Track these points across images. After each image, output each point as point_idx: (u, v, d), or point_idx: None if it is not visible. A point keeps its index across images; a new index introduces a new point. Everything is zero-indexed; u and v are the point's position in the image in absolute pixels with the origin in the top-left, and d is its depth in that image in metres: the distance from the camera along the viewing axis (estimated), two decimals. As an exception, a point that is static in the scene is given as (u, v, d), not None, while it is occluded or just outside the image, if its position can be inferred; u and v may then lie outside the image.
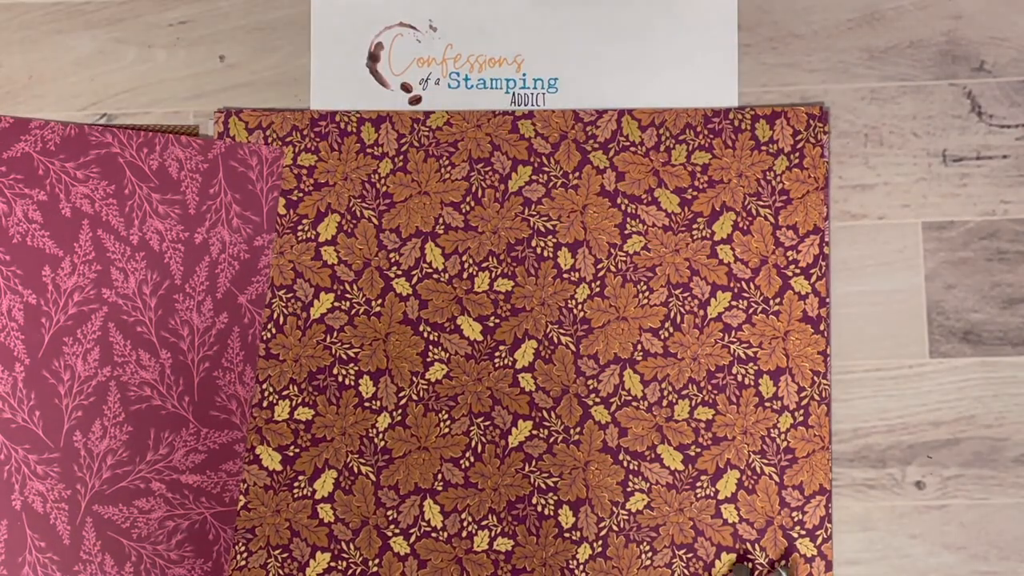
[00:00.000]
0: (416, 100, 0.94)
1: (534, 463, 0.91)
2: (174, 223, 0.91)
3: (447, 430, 0.91)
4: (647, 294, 0.92)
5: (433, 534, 0.90)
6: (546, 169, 0.93)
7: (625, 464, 0.91)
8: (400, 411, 0.91)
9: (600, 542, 0.90)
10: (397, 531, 0.90)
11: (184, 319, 0.91)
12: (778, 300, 0.92)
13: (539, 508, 0.90)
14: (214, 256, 0.91)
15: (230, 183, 0.92)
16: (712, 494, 0.91)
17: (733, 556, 0.90)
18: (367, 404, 0.90)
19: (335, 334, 0.91)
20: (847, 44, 0.95)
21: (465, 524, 0.90)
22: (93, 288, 0.91)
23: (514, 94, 0.94)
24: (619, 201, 0.92)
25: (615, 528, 0.90)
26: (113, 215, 0.91)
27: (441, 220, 0.92)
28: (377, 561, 0.90)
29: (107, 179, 0.92)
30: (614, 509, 0.90)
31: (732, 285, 0.92)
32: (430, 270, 0.92)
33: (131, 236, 0.91)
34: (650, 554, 0.90)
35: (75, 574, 0.90)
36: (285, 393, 0.90)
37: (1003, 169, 0.94)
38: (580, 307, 0.92)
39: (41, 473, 0.90)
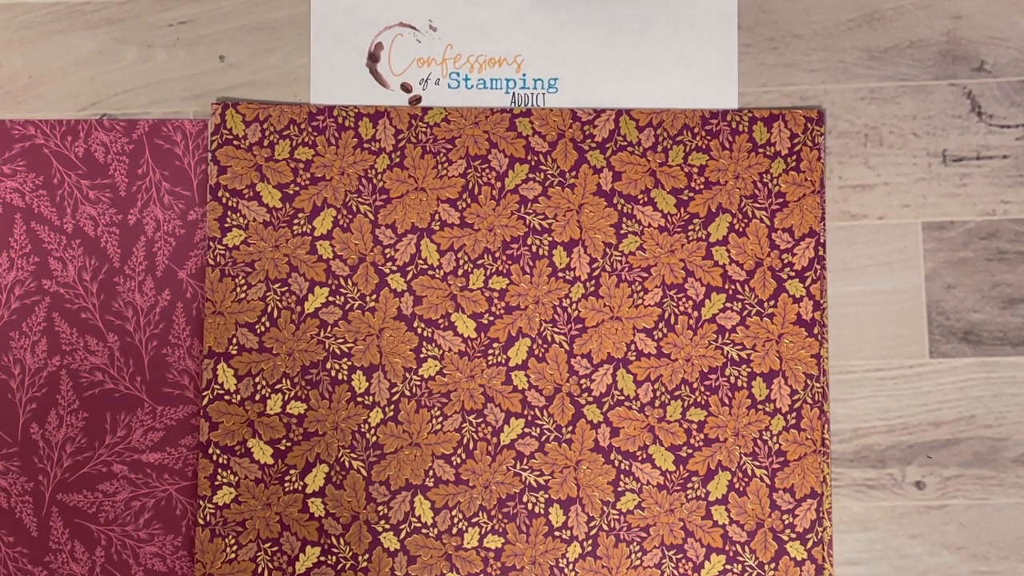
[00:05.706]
0: (416, 100, 0.94)
1: (525, 461, 0.91)
2: (106, 207, 0.92)
3: (439, 427, 0.91)
4: (641, 294, 0.92)
5: (423, 530, 0.90)
6: (543, 167, 0.93)
7: (616, 464, 0.90)
8: (392, 407, 0.91)
9: (590, 541, 0.90)
10: (387, 527, 0.90)
11: (127, 300, 0.92)
12: (772, 303, 0.91)
13: (529, 506, 0.90)
14: (150, 235, 0.92)
15: (157, 161, 0.93)
16: (703, 495, 0.90)
17: (723, 557, 0.90)
18: (360, 399, 0.91)
19: (329, 329, 0.91)
20: (847, 44, 0.94)
21: (455, 521, 0.90)
22: (33, 280, 0.92)
23: (514, 94, 0.94)
24: (615, 201, 0.92)
25: (605, 528, 0.90)
26: (45, 206, 0.92)
27: (437, 216, 0.92)
28: (367, 556, 0.90)
29: (35, 171, 0.93)
30: (604, 508, 0.90)
31: (727, 287, 0.92)
32: (425, 266, 0.92)
33: (65, 225, 0.92)
34: (640, 554, 0.90)
35: (46, 564, 0.90)
36: (278, 387, 0.91)
37: (1003, 169, 0.93)
38: (574, 306, 0.92)
39: (2, 468, 0.91)
